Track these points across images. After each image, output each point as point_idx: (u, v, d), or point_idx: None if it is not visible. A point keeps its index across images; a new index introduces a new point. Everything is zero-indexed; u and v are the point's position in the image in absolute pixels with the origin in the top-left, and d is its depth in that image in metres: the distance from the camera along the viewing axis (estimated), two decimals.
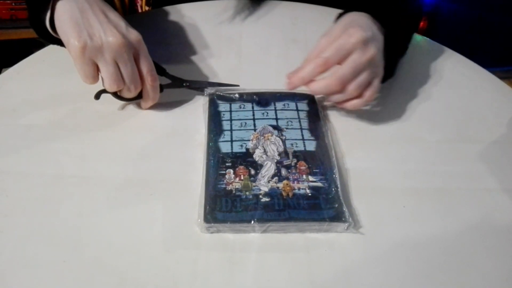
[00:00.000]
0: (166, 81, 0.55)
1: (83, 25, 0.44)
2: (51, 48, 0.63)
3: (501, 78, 0.62)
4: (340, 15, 0.53)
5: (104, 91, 0.49)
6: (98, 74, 0.46)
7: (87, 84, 0.47)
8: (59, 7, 0.45)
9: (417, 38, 0.67)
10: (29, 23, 0.50)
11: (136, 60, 0.47)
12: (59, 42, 0.50)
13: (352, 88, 0.47)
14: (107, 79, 0.46)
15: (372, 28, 0.48)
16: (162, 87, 0.53)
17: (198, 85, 0.56)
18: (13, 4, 1.26)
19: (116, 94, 0.50)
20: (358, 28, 0.46)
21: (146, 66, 0.48)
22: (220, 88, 0.55)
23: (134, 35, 0.47)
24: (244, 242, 0.40)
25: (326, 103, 0.55)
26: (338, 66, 0.47)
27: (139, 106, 0.54)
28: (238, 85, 0.56)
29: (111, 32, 0.45)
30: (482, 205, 0.45)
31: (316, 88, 0.49)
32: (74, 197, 0.43)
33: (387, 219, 0.43)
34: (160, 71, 0.53)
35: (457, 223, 0.43)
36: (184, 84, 0.55)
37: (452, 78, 0.62)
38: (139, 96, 0.51)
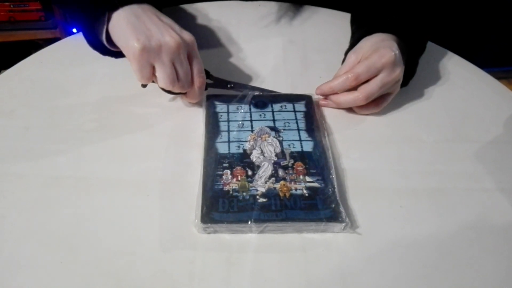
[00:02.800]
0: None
1: (141, 28, 0.45)
2: (49, 50, 0.63)
3: (500, 78, 0.63)
4: (363, 34, 0.56)
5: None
6: (153, 75, 0.47)
7: (141, 82, 0.48)
8: (114, 17, 0.46)
9: None
10: (84, 35, 0.50)
11: (188, 61, 0.49)
12: (112, 53, 0.52)
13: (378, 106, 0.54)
14: (164, 79, 0.47)
15: (398, 49, 0.52)
16: (206, 86, 0.53)
17: (242, 88, 0.56)
18: (12, 6, 1.25)
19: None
20: (389, 49, 0.50)
21: (197, 67, 0.49)
22: (217, 90, 0.56)
23: (188, 36, 0.48)
24: (241, 243, 0.40)
25: (322, 102, 0.56)
26: (366, 83, 0.51)
27: (136, 107, 0.54)
28: (278, 92, 0.56)
29: (168, 33, 0.46)
30: (479, 205, 0.45)
31: (343, 100, 0.53)
32: (70, 198, 0.43)
33: (384, 219, 0.43)
34: (205, 73, 0.53)
35: (453, 223, 0.43)
36: (228, 86, 0.56)
37: (449, 79, 0.62)
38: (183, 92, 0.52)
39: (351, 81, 0.51)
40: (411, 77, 0.57)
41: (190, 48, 0.48)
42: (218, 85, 0.56)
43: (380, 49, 0.51)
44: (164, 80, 0.47)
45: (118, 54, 0.51)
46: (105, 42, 0.49)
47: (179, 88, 0.49)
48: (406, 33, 0.54)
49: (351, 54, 0.53)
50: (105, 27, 0.47)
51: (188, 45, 0.48)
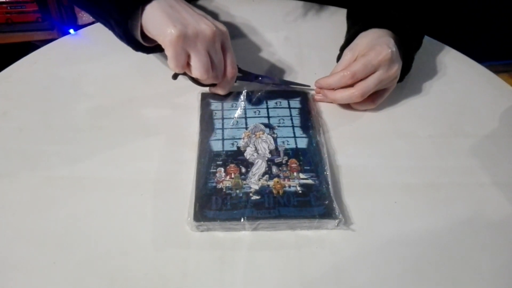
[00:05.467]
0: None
1: (176, 17, 0.45)
2: (43, 51, 0.63)
3: (501, 71, 0.62)
4: (358, 30, 0.55)
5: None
6: (187, 63, 0.47)
7: (176, 71, 0.47)
8: (148, 9, 0.46)
9: None
10: (117, 32, 0.50)
11: (222, 51, 0.49)
12: (144, 49, 0.52)
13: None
14: (199, 68, 0.46)
15: (395, 45, 0.52)
16: (235, 79, 0.53)
17: (270, 81, 0.56)
18: (9, 8, 1.25)
19: (192, 77, 0.51)
20: (386, 46, 0.50)
21: (230, 58, 0.50)
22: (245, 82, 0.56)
23: (222, 26, 0.48)
24: (234, 240, 0.40)
25: (317, 97, 0.55)
26: (363, 80, 0.51)
27: (130, 107, 0.54)
28: (309, 86, 0.56)
29: (203, 21, 0.46)
30: (474, 199, 0.45)
31: (339, 97, 0.53)
32: (64, 198, 0.43)
33: (378, 215, 0.43)
34: None
35: (449, 218, 0.43)
36: (255, 79, 0.56)
37: (444, 73, 0.62)
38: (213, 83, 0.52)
39: (348, 79, 0.50)
40: (407, 72, 0.56)
41: (224, 38, 0.48)
42: (247, 78, 0.56)
43: (377, 46, 0.50)
44: (199, 69, 0.46)
45: (150, 49, 0.52)
46: (139, 37, 0.49)
47: (212, 78, 0.49)
48: (402, 28, 0.54)
49: (347, 52, 0.53)
50: (139, 21, 0.47)
51: (222, 35, 0.48)
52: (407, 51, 0.54)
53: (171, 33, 0.44)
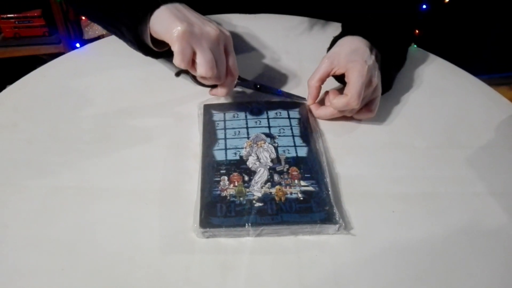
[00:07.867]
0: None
1: (183, 17, 0.49)
2: (51, 64, 0.65)
3: (500, 84, 0.64)
4: (335, 38, 0.57)
5: (183, 71, 0.52)
6: (192, 60, 0.49)
7: (181, 67, 0.48)
8: (156, 13, 0.50)
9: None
10: (127, 38, 0.54)
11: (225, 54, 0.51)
12: (153, 54, 0.56)
13: (355, 116, 0.55)
14: (204, 64, 0.48)
15: (371, 55, 0.54)
16: (235, 84, 0.56)
17: (268, 90, 0.59)
18: (16, 22, 1.29)
19: (194, 78, 0.53)
20: (362, 62, 0.52)
21: (232, 60, 0.52)
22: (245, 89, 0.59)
23: (226, 30, 0.51)
24: (237, 246, 0.41)
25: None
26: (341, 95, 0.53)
27: (135, 119, 0.55)
28: (305, 98, 0.58)
29: (208, 24, 0.49)
30: (470, 209, 0.46)
31: (321, 114, 0.56)
32: (71, 208, 0.44)
33: (377, 223, 0.44)
34: None
35: (445, 226, 0.44)
36: (255, 86, 0.59)
37: (441, 85, 0.63)
38: (214, 85, 0.54)
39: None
40: (392, 79, 0.58)
41: (227, 41, 0.51)
42: (246, 84, 0.59)
43: (354, 63, 0.52)
44: (204, 66, 0.48)
45: (159, 54, 0.55)
46: (149, 42, 0.52)
47: (215, 78, 0.50)
48: (374, 33, 0.56)
49: (326, 60, 0.55)
50: (148, 25, 0.50)
51: (226, 38, 0.51)
52: (385, 56, 0.56)
53: (178, 29, 0.46)
